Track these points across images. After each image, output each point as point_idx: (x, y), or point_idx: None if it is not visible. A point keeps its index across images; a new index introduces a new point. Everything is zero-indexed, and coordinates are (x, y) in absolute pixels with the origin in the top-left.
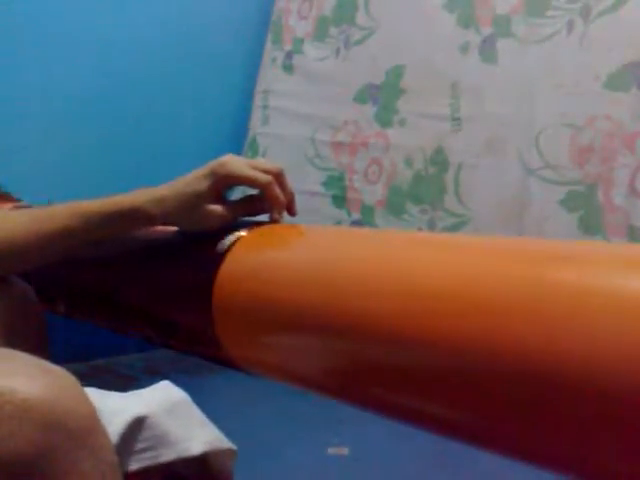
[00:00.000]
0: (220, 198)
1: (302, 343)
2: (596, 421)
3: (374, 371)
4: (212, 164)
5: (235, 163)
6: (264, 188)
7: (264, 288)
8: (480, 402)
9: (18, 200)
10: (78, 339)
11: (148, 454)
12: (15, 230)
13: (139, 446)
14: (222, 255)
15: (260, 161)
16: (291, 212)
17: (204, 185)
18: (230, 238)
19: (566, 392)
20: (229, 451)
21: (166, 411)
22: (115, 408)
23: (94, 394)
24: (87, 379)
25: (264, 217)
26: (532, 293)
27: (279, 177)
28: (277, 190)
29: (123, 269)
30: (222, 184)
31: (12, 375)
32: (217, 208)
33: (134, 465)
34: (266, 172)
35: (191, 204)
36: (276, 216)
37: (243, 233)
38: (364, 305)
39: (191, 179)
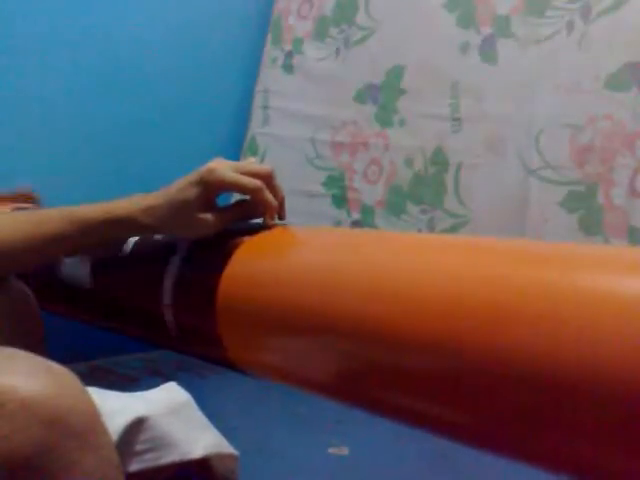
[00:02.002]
0: (211, 205)
1: (304, 345)
2: (596, 423)
3: (375, 373)
4: (201, 171)
5: (223, 169)
6: (253, 194)
7: (266, 291)
8: (481, 404)
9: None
10: (78, 339)
11: (149, 455)
12: (11, 232)
13: (140, 447)
14: (223, 258)
15: (250, 163)
16: (281, 215)
17: (194, 193)
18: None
19: (567, 395)
20: (231, 456)
21: (168, 413)
22: (116, 408)
23: (95, 394)
24: (87, 379)
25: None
26: (533, 296)
27: (269, 179)
28: (267, 194)
29: (125, 270)
30: (212, 191)
31: (13, 373)
32: (208, 216)
33: (135, 466)
34: (256, 175)
35: (182, 212)
36: (269, 221)
37: (247, 236)
38: (365, 308)
39: (181, 187)
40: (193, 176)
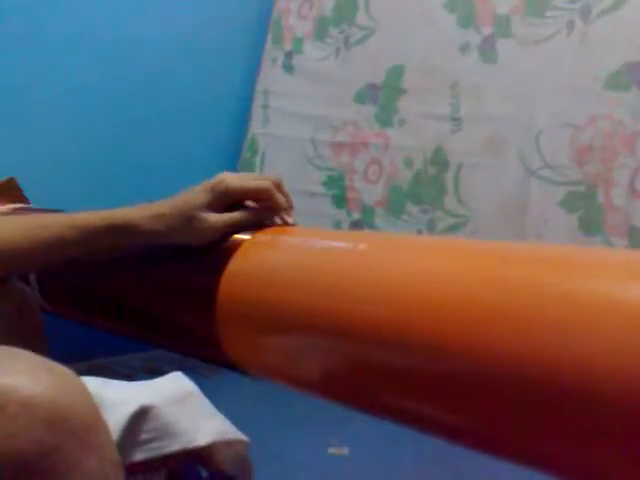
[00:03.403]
0: (220, 213)
1: (303, 346)
2: (593, 427)
3: (375, 375)
4: (210, 181)
5: (232, 178)
6: (267, 193)
7: (266, 291)
8: (480, 407)
9: (26, 199)
10: (78, 339)
11: (154, 444)
12: (10, 236)
13: (144, 436)
14: (223, 258)
15: (253, 176)
16: (288, 221)
17: (204, 201)
18: None
19: (564, 398)
20: (241, 442)
21: (173, 402)
22: (119, 398)
23: (97, 383)
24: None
25: None
26: (531, 300)
27: (277, 185)
28: (277, 194)
29: (126, 271)
30: (222, 199)
31: (14, 373)
32: (217, 223)
33: (139, 455)
34: (264, 180)
35: (191, 220)
36: (278, 221)
37: (247, 237)
38: (366, 309)
39: (190, 195)
40: (202, 185)
